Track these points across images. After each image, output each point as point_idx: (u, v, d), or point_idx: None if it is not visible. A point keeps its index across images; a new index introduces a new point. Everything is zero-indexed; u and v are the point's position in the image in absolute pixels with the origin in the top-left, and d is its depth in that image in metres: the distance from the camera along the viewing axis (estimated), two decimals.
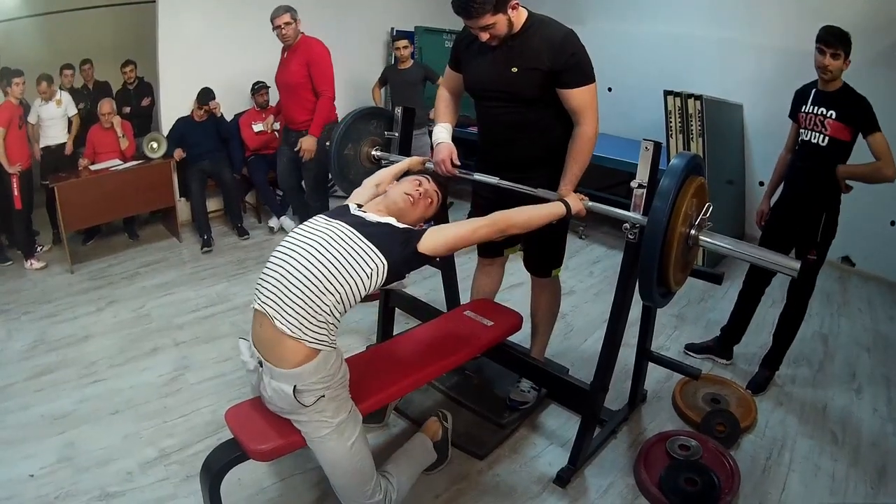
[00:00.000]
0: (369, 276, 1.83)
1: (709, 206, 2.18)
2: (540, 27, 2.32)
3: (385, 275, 1.87)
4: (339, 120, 3.16)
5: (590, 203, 2.27)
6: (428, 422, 2.50)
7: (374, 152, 3.13)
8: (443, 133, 2.66)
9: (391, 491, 2.07)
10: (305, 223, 1.99)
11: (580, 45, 2.30)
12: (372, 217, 2.00)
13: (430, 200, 2.16)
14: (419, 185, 2.14)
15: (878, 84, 3.63)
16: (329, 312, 1.80)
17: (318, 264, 1.80)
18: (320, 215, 2.01)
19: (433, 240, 1.94)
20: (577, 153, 2.36)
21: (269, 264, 1.91)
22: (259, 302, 1.85)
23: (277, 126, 5.17)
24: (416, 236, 1.95)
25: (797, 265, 2.01)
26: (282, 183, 4.85)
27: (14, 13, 5.54)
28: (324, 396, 1.84)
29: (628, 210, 2.22)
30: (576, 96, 2.31)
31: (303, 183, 4.67)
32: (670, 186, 2.02)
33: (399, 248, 1.90)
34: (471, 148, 2.90)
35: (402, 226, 2.00)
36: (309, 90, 4.21)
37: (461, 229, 1.98)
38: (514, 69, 2.34)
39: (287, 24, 4.08)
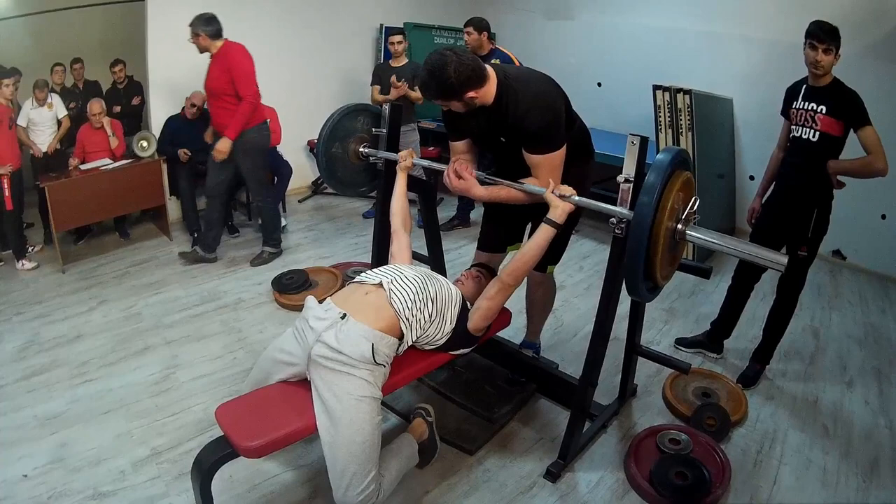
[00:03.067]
0: (445, 332, 2.29)
1: (695, 200, 2.18)
2: (507, 95, 2.30)
3: (450, 335, 2.30)
4: (326, 118, 3.15)
5: (576, 198, 2.27)
6: (413, 423, 2.49)
7: (361, 149, 3.16)
8: None
9: (381, 489, 2.05)
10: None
11: (546, 112, 2.29)
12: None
13: (477, 277, 2.59)
14: (467, 274, 2.63)
15: (868, 78, 3.65)
16: (424, 318, 2.19)
17: (440, 290, 2.27)
18: None
19: (473, 320, 2.33)
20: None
21: (400, 265, 2.39)
22: (385, 281, 2.21)
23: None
24: (467, 316, 2.35)
25: (784, 260, 2.01)
26: (208, 191, 4.59)
27: (2, 14, 5.52)
28: (385, 366, 2.09)
29: (615, 205, 2.23)
30: (532, 159, 2.35)
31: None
32: (656, 181, 2.02)
33: (462, 323, 2.32)
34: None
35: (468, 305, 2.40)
36: (231, 95, 4.16)
37: (487, 305, 2.32)
38: (503, 139, 2.40)
39: (192, 37, 4.09)
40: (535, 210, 2.49)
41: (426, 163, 2.99)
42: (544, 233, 2.25)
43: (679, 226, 2.14)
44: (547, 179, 2.31)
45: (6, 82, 4.25)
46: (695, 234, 2.14)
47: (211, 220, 4.60)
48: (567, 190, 2.28)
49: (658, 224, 2.03)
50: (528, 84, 2.32)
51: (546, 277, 2.86)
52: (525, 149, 2.34)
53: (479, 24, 4.55)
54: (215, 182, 4.47)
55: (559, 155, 2.35)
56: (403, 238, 2.61)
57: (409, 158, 2.81)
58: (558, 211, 2.24)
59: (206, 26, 4.05)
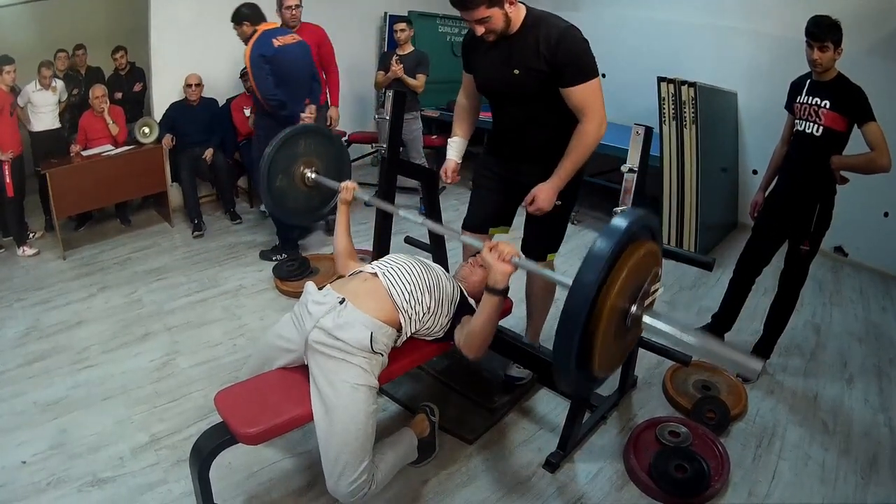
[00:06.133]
0: (443, 325, 2.27)
1: (657, 276, 1.78)
2: (537, 25, 2.27)
3: (447, 328, 2.28)
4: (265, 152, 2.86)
5: (517, 259, 1.98)
6: (416, 418, 2.49)
7: (309, 174, 2.91)
8: (451, 151, 2.76)
9: (374, 480, 2.04)
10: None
11: (578, 42, 2.25)
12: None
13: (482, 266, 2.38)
14: (473, 262, 2.50)
15: (873, 74, 3.61)
16: (423, 309, 2.17)
17: (437, 280, 2.25)
18: None
19: (458, 342, 2.23)
20: (573, 149, 2.35)
21: (395, 255, 2.35)
22: (380, 272, 2.18)
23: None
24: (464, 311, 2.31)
25: (759, 367, 1.68)
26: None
27: (6, 1, 5.50)
28: (382, 355, 2.07)
29: (620, 196, 2.20)
30: (575, 94, 2.29)
31: None
32: (604, 252, 1.64)
33: (457, 318, 2.29)
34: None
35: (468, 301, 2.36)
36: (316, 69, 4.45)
37: (465, 346, 2.19)
38: (516, 71, 2.32)
39: (297, 6, 4.38)
40: (525, 192, 2.47)
41: (367, 197, 2.66)
42: (487, 303, 2.03)
43: (633, 308, 1.71)
44: (600, 113, 2.32)
45: (8, 69, 4.23)
46: (653, 321, 1.72)
47: None
48: (507, 249, 1.98)
49: (603, 303, 1.63)
50: (555, 18, 2.31)
51: (546, 266, 2.83)
52: (564, 85, 2.28)
53: (237, 17, 3.98)
54: None
55: (599, 82, 2.31)
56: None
57: (349, 191, 2.60)
58: (497, 276, 1.97)
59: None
